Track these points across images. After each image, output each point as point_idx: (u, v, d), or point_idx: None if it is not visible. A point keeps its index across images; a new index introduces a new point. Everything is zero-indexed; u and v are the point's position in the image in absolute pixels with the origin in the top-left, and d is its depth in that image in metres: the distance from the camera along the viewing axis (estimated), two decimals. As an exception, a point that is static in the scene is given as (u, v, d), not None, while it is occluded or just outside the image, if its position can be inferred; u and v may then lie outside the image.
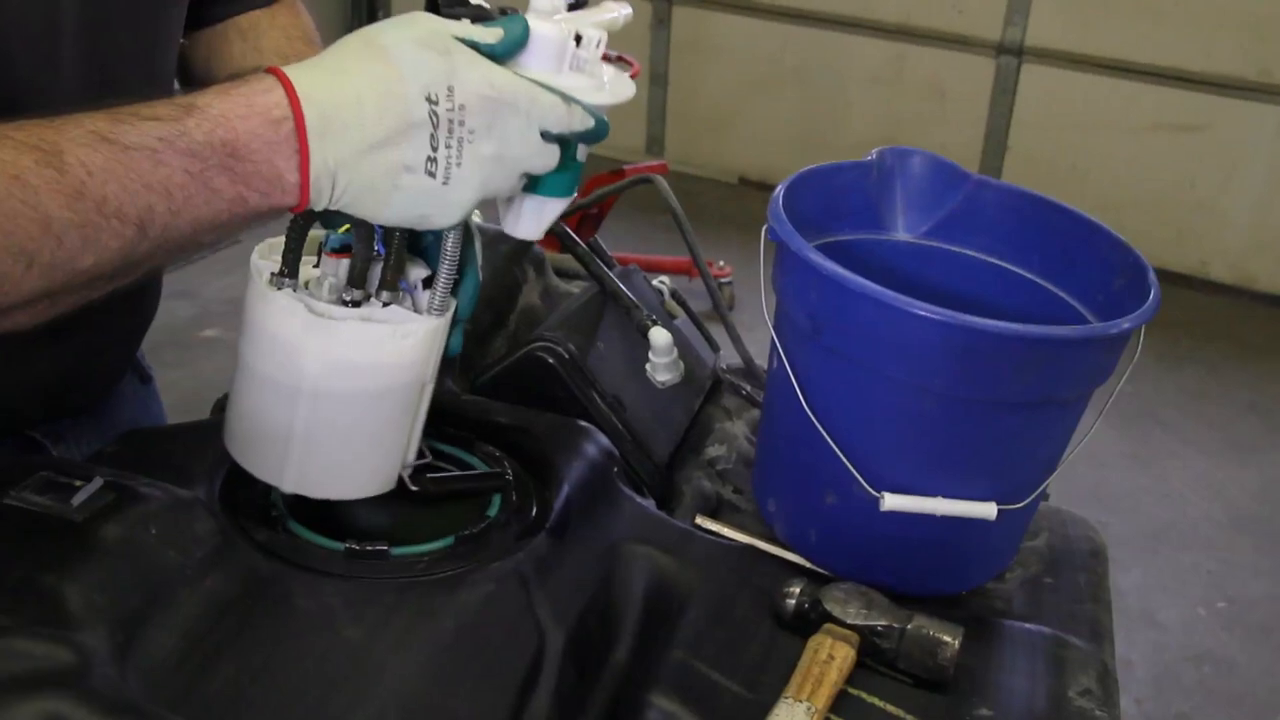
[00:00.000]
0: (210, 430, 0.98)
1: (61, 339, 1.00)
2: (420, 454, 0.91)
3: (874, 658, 0.87)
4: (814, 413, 0.92)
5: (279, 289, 0.81)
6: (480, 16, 0.80)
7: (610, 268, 1.21)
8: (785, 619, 0.89)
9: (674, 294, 1.28)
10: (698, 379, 1.19)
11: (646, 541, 0.93)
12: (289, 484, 0.85)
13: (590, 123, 0.81)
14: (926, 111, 4.47)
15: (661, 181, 1.26)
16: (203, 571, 0.78)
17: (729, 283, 3.70)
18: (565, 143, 0.81)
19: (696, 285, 3.49)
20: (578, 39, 0.80)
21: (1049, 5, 4.25)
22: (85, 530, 0.75)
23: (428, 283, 0.85)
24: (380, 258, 0.83)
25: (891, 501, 0.91)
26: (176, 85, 1.05)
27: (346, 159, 0.74)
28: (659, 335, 1.09)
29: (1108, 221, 1.03)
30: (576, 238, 1.20)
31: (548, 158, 0.80)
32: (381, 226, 0.81)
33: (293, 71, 0.74)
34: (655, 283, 1.27)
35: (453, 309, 0.86)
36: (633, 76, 3.37)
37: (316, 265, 0.85)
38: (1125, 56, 4.17)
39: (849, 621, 0.87)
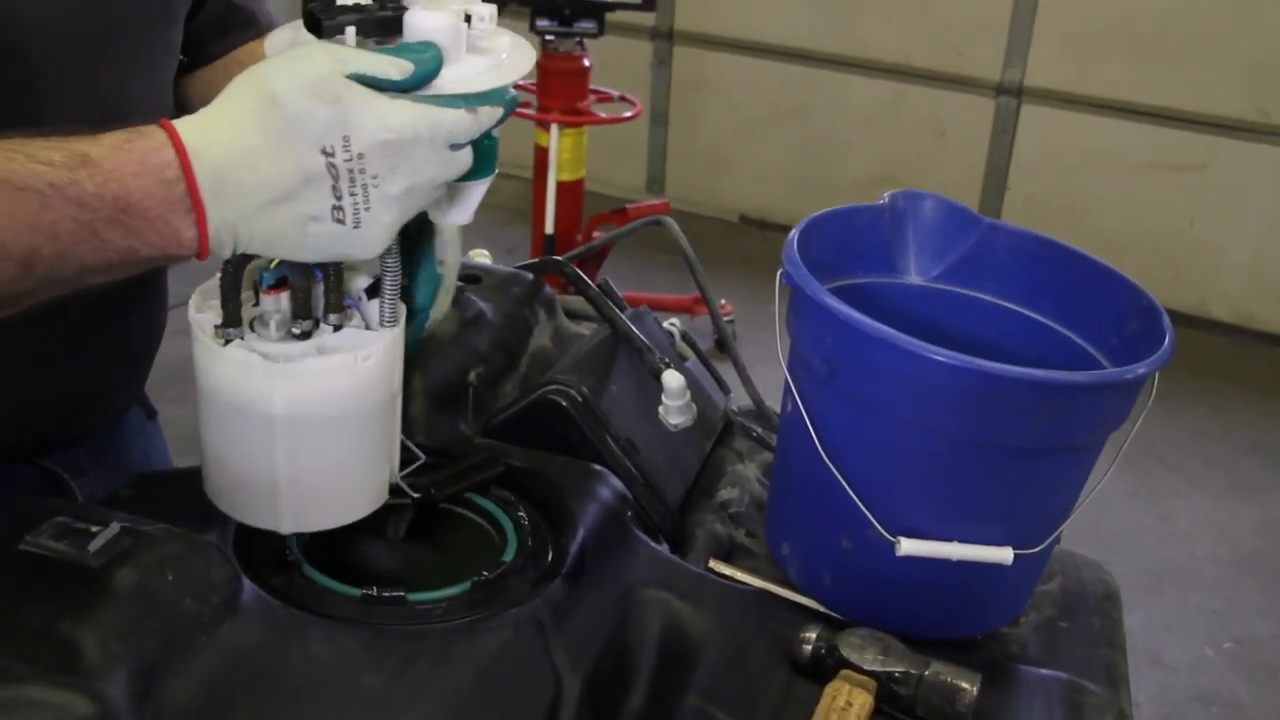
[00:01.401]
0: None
1: (73, 355, 1.03)
2: (411, 458, 0.91)
3: (891, 704, 0.86)
4: (829, 457, 0.92)
5: (226, 342, 0.80)
6: (365, 22, 0.77)
7: (621, 309, 1.21)
8: (802, 665, 0.88)
9: (684, 335, 1.29)
10: (709, 421, 1.19)
11: (661, 586, 0.93)
12: (287, 525, 0.85)
13: (499, 113, 0.79)
14: (926, 151, 4.49)
15: (672, 223, 1.27)
16: (219, 618, 0.77)
17: (731, 321, 3.71)
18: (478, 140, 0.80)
19: (697, 324, 3.50)
20: (468, 19, 0.78)
21: (1048, 46, 4.28)
22: (102, 577, 0.75)
23: (373, 290, 0.84)
24: (319, 281, 0.81)
25: (907, 546, 0.90)
26: None
27: (246, 215, 0.73)
28: (672, 378, 1.09)
29: (1106, 261, 1.03)
30: (588, 280, 1.21)
31: (461, 163, 0.79)
32: None
33: (184, 127, 0.73)
34: (665, 324, 1.27)
35: (404, 313, 0.85)
36: (634, 116, 3.37)
37: (256, 304, 0.83)
38: (1124, 97, 4.20)
39: (866, 667, 0.86)
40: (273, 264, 0.81)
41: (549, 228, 3.58)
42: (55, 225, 0.70)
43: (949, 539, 0.91)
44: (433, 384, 1.04)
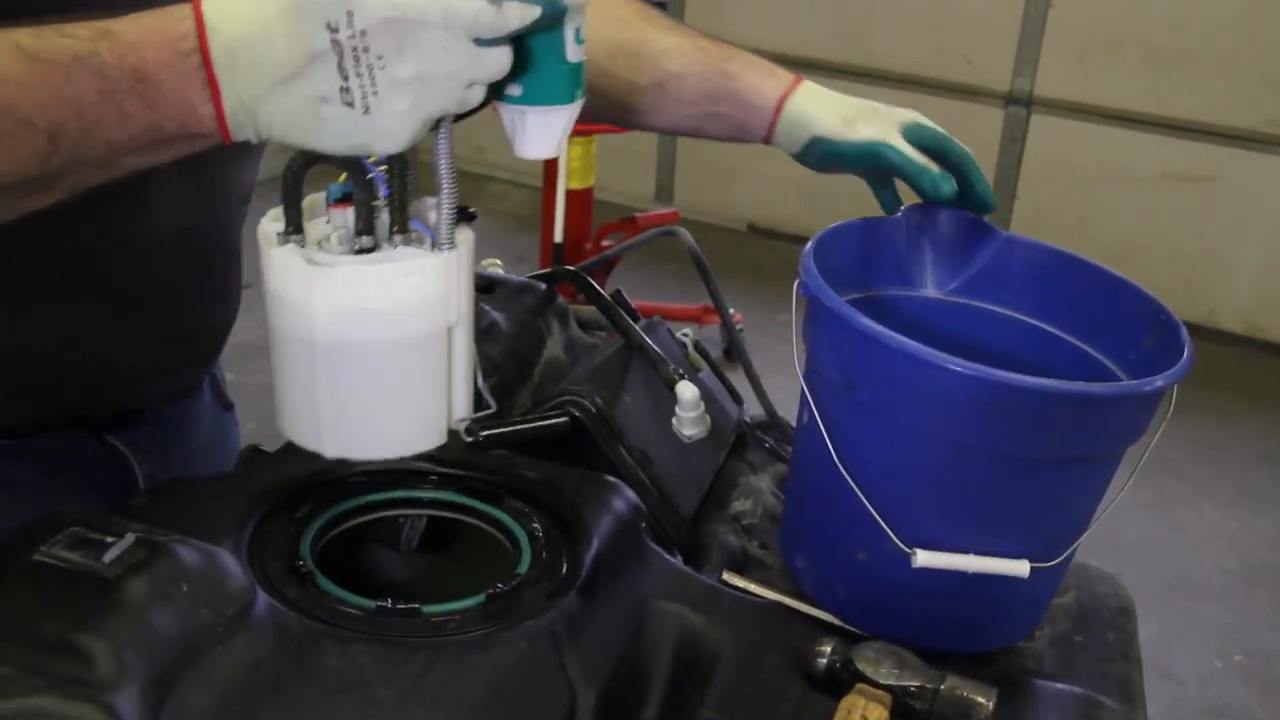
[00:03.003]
0: (237, 482, 0.98)
1: (140, 318, 1.06)
2: (483, 405, 0.87)
3: (906, 719, 0.86)
4: (846, 468, 0.92)
5: (283, 244, 0.79)
6: None
7: (634, 319, 1.21)
8: (817, 678, 0.88)
9: (697, 346, 1.28)
10: (723, 432, 1.18)
11: (675, 599, 0.92)
12: (329, 448, 0.82)
13: (533, 14, 0.73)
14: (935, 160, 4.49)
15: (685, 233, 1.27)
16: (233, 629, 0.77)
17: (740, 330, 3.71)
18: (519, 39, 0.75)
19: (705, 332, 3.50)
20: None
21: (1057, 56, 4.28)
22: (117, 587, 0.75)
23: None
24: (386, 201, 0.80)
25: (924, 559, 0.90)
26: None
27: (260, 94, 0.72)
28: (686, 390, 1.08)
29: (1122, 273, 1.03)
30: (601, 289, 1.21)
31: (494, 64, 0.74)
32: (383, 170, 0.79)
33: (207, 1, 0.72)
34: (679, 335, 1.27)
35: (467, 240, 0.81)
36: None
37: (328, 222, 0.82)
38: (1133, 107, 4.19)
39: (881, 682, 0.86)
40: (341, 178, 0.80)
41: (558, 236, 3.58)
42: (79, 98, 0.71)
43: (965, 551, 0.90)
44: (446, 394, 1.04)
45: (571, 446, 1.04)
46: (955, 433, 0.87)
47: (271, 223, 0.81)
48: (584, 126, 3.55)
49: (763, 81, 1.11)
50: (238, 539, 0.87)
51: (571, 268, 1.26)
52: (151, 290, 1.07)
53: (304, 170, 0.79)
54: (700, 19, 4.75)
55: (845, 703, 0.85)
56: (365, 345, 0.79)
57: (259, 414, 1.37)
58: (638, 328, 1.18)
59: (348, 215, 0.80)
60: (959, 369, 0.84)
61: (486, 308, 1.13)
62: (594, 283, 1.21)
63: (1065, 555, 0.94)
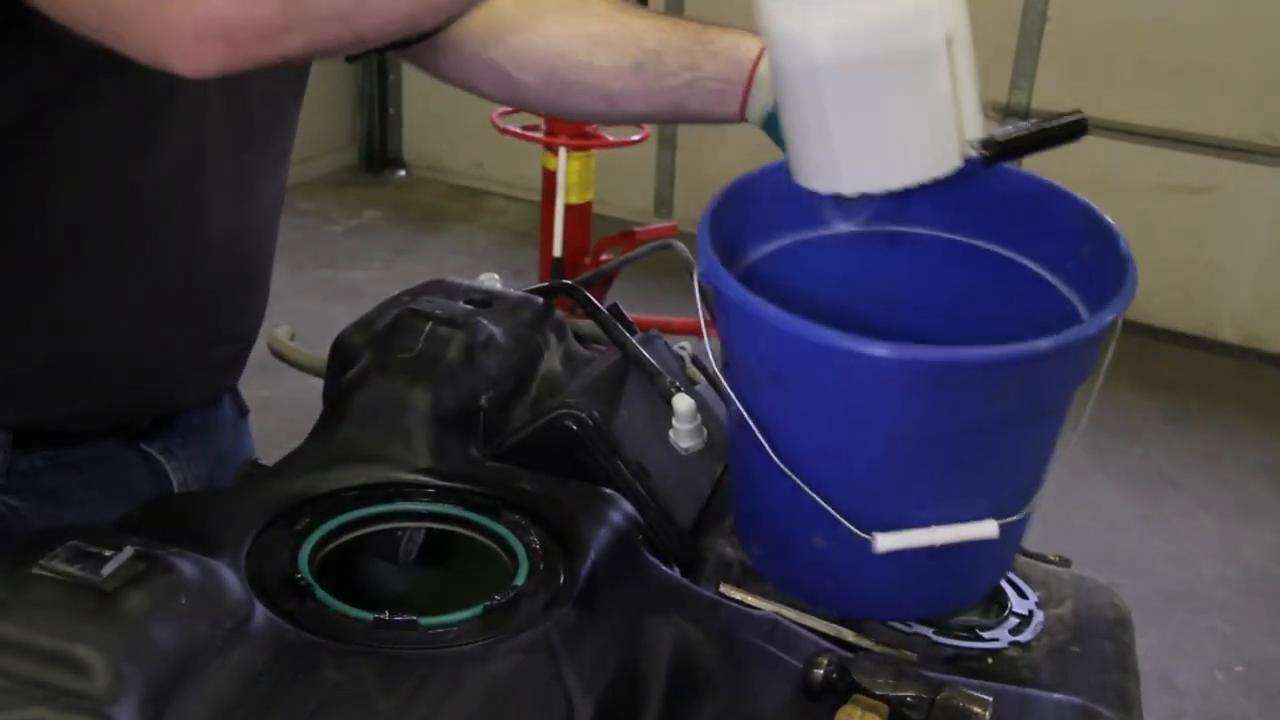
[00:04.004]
0: (235, 496, 0.98)
1: (189, 321, 1.12)
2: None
3: (903, 729, 0.86)
4: (784, 460, 0.86)
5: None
6: None
7: (631, 333, 1.21)
8: (813, 689, 0.88)
9: (694, 359, 1.29)
10: (719, 445, 1.19)
11: (672, 610, 0.93)
12: (849, 183, 0.83)
13: None
14: (933, 173, 4.51)
15: (682, 247, 1.27)
16: (232, 643, 0.77)
17: (738, 343, 3.71)
18: None
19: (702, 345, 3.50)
20: None
21: (1054, 69, 4.30)
22: (115, 600, 0.75)
23: None
24: None
25: (884, 543, 0.85)
26: None
27: None
28: (683, 402, 1.09)
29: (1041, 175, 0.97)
30: (599, 303, 1.21)
31: None
32: None
33: None
34: (676, 348, 1.27)
35: None
36: (642, 139, 3.39)
37: None
38: (1130, 119, 4.21)
39: (878, 692, 0.86)
40: None
41: (557, 250, 3.59)
42: None
43: (927, 524, 0.85)
44: (444, 408, 1.05)
45: (569, 459, 1.05)
46: (893, 416, 0.82)
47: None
48: (581, 141, 3.57)
49: (740, 39, 1.10)
50: (236, 552, 0.87)
51: (568, 281, 1.27)
52: (200, 292, 1.11)
53: None
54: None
55: (842, 713, 0.85)
56: (867, 63, 0.78)
57: (260, 429, 1.38)
58: (635, 341, 1.18)
59: None
60: (884, 353, 0.77)
61: (484, 321, 1.14)
62: (591, 296, 1.22)
63: (1031, 505, 0.89)
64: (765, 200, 0.98)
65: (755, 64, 1.08)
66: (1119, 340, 0.88)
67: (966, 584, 0.95)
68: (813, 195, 0.98)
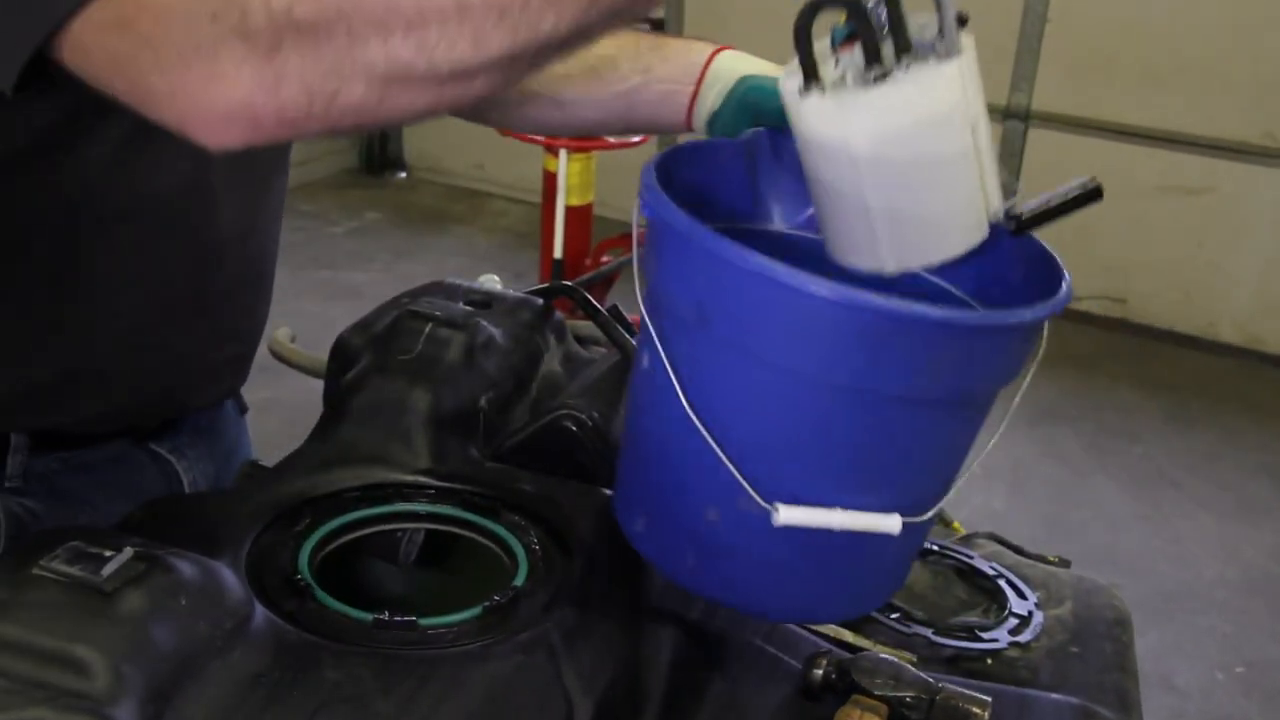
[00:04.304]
0: (235, 497, 0.99)
1: (202, 320, 1.14)
2: (1010, 192, 0.90)
3: (902, 729, 0.86)
4: (698, 415, 0.82)
5: (805, 97, 0.82)
6: None
7: (630, 334, 1.21)
8: (813, 690, 0.88)
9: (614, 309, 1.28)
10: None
11: (671, 610, 0.93)
12: (891, 264, 0.86)
13: None
14: (933, 174, 4.51)
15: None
16: (232, 643, 0.77)
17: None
18: None
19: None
20: None
21: (1054, 70, 4.30)
22: (115, 601, 0.75)
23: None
24: (887, 31, 0.82)
25: (786, 515, 0.81)
26: None
27: None
28: (681, 402, 1.09)
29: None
30: (598, 305, 1.21)
31: None
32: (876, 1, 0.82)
33: None
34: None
35: (970, 44, 0.84)
36: (642, 141, 3.37)
37: (837, 65, 0.84)
38: (1130, 120, 4.21)
39: (877, 693, 0.86)
40: (842, 21, 0.83)
41: (558, 252, 3.59)
42: None
43: (831, 507, 0.82)
44: (443, 409, 1.05)
45: (568, 460, 1.05)
46: (824, 369, 0.79)
47: (789, 80, 0.85)
48: (581, 143, 3.57)
49: (693, 45, 1.12)
50: (236, 553, 0.87)
51: (568, 283, 1.27)
52: (213, 293, 1.13)
53: (812, 20, 0.82)
54: (699, 34, 4.77)
55: (840, 713, 0.85)
56: (907, 162, 0.82)
57: (260, 430, 1.38)
58: (634, 342, 1.18)
59: (854, 53, 0.83)
60: (830, 295, 0.75)
61: (483, 323, 1.14)
62: (591, 298, 1.22)
63: (935, 510, 0.87)
64: (707, 175, 0.96)
65: (706, 67, 1.09)
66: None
67: (854, 592, 0.92)
68: (754, 185, 1.00)
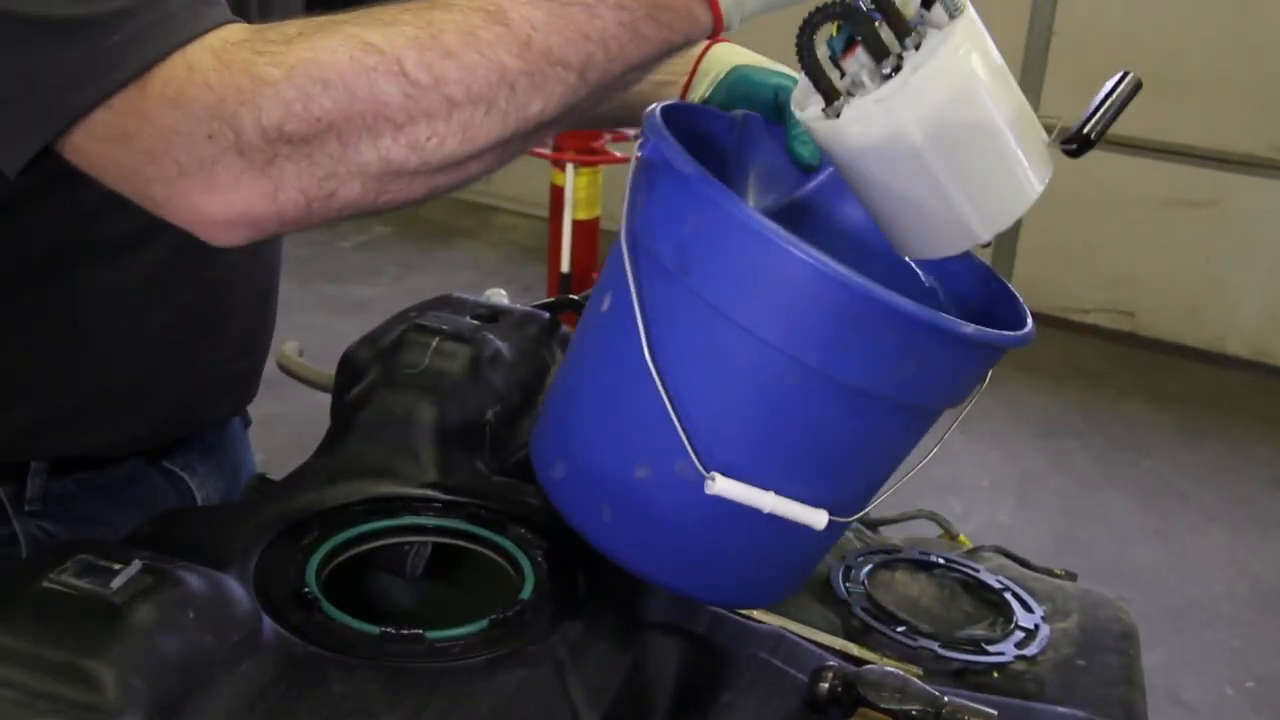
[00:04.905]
0: (243, 510, 0.99)
1: (218, 334, 1.15)
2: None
3: (908, 742, 0.86)
4: (655, 367, 0.81)
5: (838, 114, 0.82)
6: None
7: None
8: (818, 703, 0.88)
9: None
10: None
11: (677, 623, 0.93)
12: (983, 232, 0.86)
13: None
14: (940, 188, 4.51)
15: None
16: (239, 656, 0.78)
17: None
18: None
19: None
20: None
21: (1060, 83, 4.31)
22: (124, 614, 0.75)
23: (926, 1, 0.84)
24: (879, 20, 0.82)
25: (721, 485, 0.80)
26: None
27: None
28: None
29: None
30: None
31: None
32: None
33: None
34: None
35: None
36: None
37: (843, 76, 0.85)
38: (1137, 134, 4.21)
39: (883, 705, 0.86)
40: (834, 31, 0.84)
41: (564, 266, 3.61)
42: (604, 32, 0.75)
43: (765, 488, 0.81)
44: (450, 423, 1.05)
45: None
46: (795, 343, 0.78)
47: (809, 108, 0.86)
48: (588, 158, 3.58)
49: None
50: (244, 566, 0.88)
51: (575, 297, 1.28)
52: (226, 309, 1.14)
53: (813, 37, 0.82)
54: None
55: (847, 726, 0.85)
56: (964, 125, 0.83)
57: (268, 444, 1.39)
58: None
59: (860, 56, 0.83)
60: (822, 268, 0.75)
61: (490, 337, 1.15)
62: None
63: (858, 516, 0.87)
64: (696, 139, 0.95)
65: (700, 59, 1.10)
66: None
67: (756, 580, 0.91)
68: (732, 164, 1.00)
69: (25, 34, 0.73)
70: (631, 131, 3.69)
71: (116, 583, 0.77)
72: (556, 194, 3.67)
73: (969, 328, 0.81)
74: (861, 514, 0.87)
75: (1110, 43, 4.21)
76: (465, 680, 0.80)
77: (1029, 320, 0.88)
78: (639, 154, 0.84)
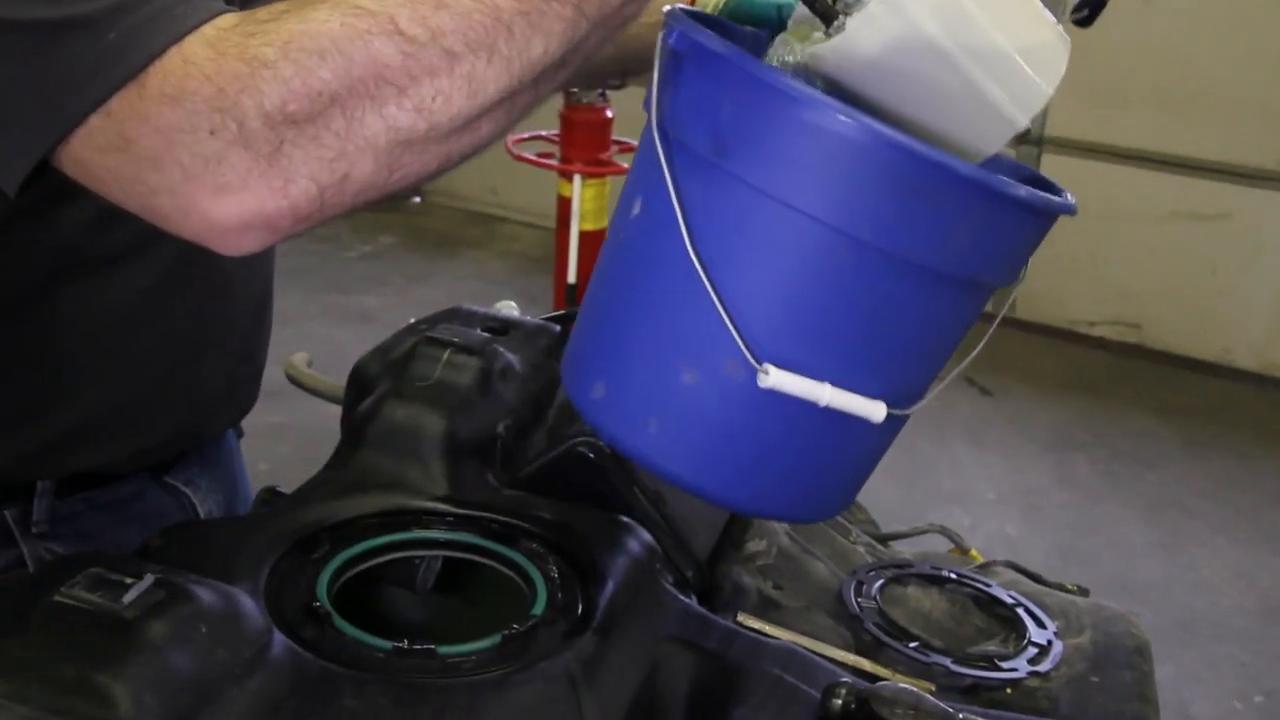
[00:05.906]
0: (254, 523, 0.99)
1: (223, 345, 1.15)
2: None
3: (922, 760, 0.85)
4: (700, 259, 0.78)
5: (845, 23, 0.80)
6: None
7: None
8: (831, 719, 0.88)
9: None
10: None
11: (690, 639, 0.92)
12: (1021, 115, 0.84)
13: None
14: (946, 200, 4.51)
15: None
16: (251, 670, 0.77)
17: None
18: None
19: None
20: None
21: (1068, 96, 4.27)
22: (136, 628, 0.75)
23: None
24: None
25: (776, 378, 0.76)
26: None
27: None
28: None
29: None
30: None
31: None
32: None
33: None
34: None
35: None
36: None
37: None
38: (1144, 146, 4.22)
39: (897, 722, 0.86)
40: None
41: (572, 277, 3.60)
42: None
43: (820, 381, 0.77)
44: (461, 436, 1.05)
45: (586, 487, 1.05)
46: (849, 216, 0.75)
47: (811, 34, 0.83)
48: (595, 168, 3.58)
49: None
50: (255, 580, 0.87)
51: (585, 309, 1.27)
52: (227, 320, 1.15)
53: None
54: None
55: (860, 744, 0.85)
56: (973, 10, 0.80)
57: (273, 455, 1.39)
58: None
59: None
60: (877, 129, 0.72)
61: (501, 350, 1.14)
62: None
63: (915, 407, 0.83)
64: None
65: None
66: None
67: (814, 488, 0.88)
68: None
69: (20, 40, 0.72)
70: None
71: (129, 597, 0.77)
72: (564, 205, 3.67)
73: (1023, 190, 0.77)
74: (918, 406, 0.83)
75: (1118, 56, 4.20)
76: (478, 696, 0.79)
77: (1069, 195, 0.85)
78: (664, 44, 0.80)
